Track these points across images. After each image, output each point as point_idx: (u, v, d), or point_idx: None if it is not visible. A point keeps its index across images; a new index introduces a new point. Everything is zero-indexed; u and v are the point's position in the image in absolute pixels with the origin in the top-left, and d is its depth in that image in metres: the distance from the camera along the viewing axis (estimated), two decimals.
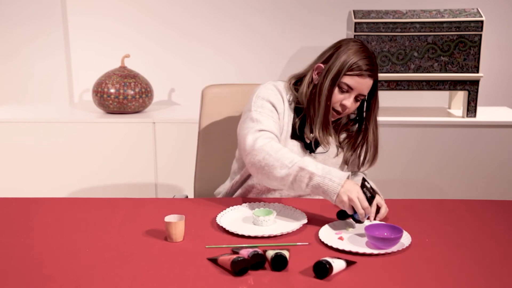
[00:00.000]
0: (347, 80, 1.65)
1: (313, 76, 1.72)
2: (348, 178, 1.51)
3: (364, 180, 1.52)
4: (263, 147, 1.58)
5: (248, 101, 1.75)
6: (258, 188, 1.78)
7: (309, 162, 1.54)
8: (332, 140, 1.78)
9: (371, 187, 1.53)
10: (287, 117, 1.74)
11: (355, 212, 1.47)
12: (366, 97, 1.73)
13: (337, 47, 1.69)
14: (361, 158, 1.79)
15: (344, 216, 1.51)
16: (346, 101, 1.67)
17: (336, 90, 1.67)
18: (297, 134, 1.74)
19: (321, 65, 1.70)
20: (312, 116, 1.71)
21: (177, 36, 3.15)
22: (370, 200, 1.49)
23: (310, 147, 1.75)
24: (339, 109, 1.69)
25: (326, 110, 1.69)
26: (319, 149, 1.76)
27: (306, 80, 1.74)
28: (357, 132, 1.79)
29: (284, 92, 1.75)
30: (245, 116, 1.71)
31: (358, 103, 1.71)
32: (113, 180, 2.78)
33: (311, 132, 1.72)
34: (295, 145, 1.74)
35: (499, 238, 1.44)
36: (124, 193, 2.76)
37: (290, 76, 1.80)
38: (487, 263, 1.30)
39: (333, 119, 1.74)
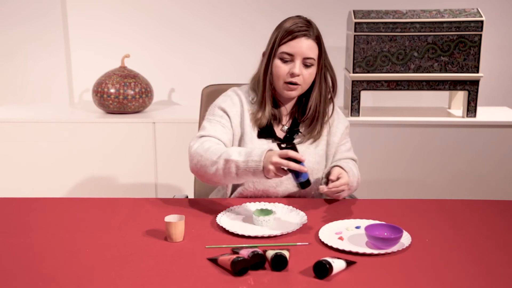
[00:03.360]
0: (284, 48, 1.68)
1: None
2: (268, 151, 1.51)
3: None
4: (196, 151, 1.63)
5: None
6: (251, 190, 1.77)
7: (233, 151, 1.55)
8: (305, 130, 1.77)
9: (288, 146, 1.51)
10: (249, 118, 1.74)
11: (297, 176, 1.48)
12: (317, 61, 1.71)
13: (274, 29, 1.74)
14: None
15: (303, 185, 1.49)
16: (293, 69, 1.67)
17: (279, 62, 1.68)
18: (265, 130, 1.74)
19: (264, 52, 1.75)
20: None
21: (177, 36, 3.15)
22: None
23: (284, 141, 1.75)
24: (291, 79, 1.68)
25: (264, 85, 1.71)
26: (295, 142, 1.76)
27: (259, 71, 1.76)
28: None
29: (245, 94, 1.77)
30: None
31: (312, 69, 1.69)
32: (113, 180, 2.78)
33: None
34: (264, 143, 1.74)
35: (499, 238, 1.44)
36: (124, 193, 2.76)
37: (251, 77, 1.81)
38: (487, 263, 1.30)
39: (295, 94, 1.71)
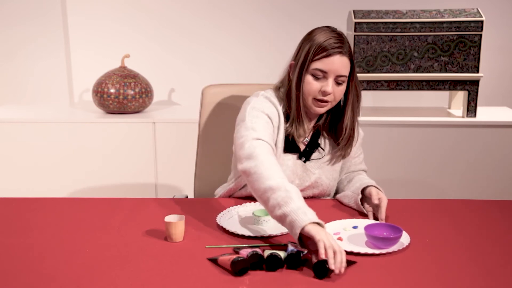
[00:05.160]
0: (317, 65, 1.60)
1: (290, 75, 1.70)
2: (323, 226, 1.32)
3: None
4: (259, 156, 1.51)
5: (241, 111, 1.70)
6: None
7: (296, 192, 1.40)
8: (326, 145, 1.77)
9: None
10: (282, 133, 1.70)
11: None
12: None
13: (303, 39, 1.67)
14: (338, 141, 1.74)
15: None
16: (325, 87, 1.60)
17: (311, 79, 1.62)
18: (290, 145, 1.71)
19: (293, 62, 1.68)
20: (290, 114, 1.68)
21: (177, 36, 3.15)
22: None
23: (304, 155, 1.73)
24: (321, 97, 1.62)
25: (297, 102, 1.65)
26: (314, 156, 1.74)
27: (284, 82, 1.72)
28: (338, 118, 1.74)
29: (278, 103, 1.71)
30: (240, 126, 1.65)
31: (343, 86, 1.64)
32: (113, 180, 2.78)
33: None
34: (289, 158, 1.72)
35: (499, 238, 1.44)
36: (124, 193, 2.76)
37: (274, 85, 1.77)
38: (487, 263, 1.30)
39: (323, 110, 1.68)
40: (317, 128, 1.76)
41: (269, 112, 1.67)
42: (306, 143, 1.75)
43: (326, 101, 1.64)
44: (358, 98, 1.71)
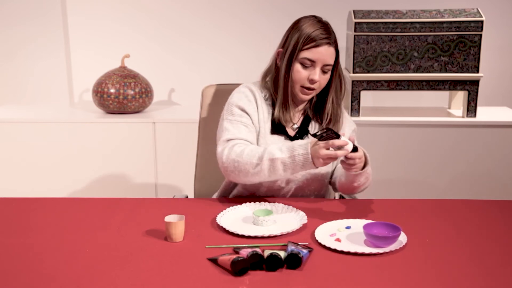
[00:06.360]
0: (306, 54, 1.67)
1: (277, 62, 1.76)
2: (311, 142, 1.55)
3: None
4: (229, 157, 1.63)
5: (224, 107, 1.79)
6: (253, 190, 1.78)
7: (274, 149, 1.58)
8: (316, 130, 1.78)
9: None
10: (263, 114, 1.75)
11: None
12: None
13: (290, 28, 1.73)
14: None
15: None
16: (313, 76, 1.67)
17: (300, 67, 1.68)
18: (277, 127, 1.74)
19: (281, 49, 1.74)
20: (276, 99, 1.74)
21: (177, 36, 3.15)
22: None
23: (293, 139, 1.75)
24: (309, 85, 1.69)
25: (285, 88, 1.71)
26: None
27: (271, 69, 1.78)
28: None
29: (258, 91, 1.78)
30: (219, 124, 1.76)
31: (328, 75, 1.71)
32: (113, 180, 2.78)
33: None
34: (277, 139, 1.75)
35: (499, 238, 1.45)
36: (124, 193, 2.76)
37: (261, 73, 1.82)
38: (487, 263, 1.30)
39: (309, 98, 1.74)
40: (307, 113, 1.80)
41: (243, 103, 1.75)
42: (296, 130, 1.77)
43: (312, 89, 1.70)
44: (341, 85, 1.77)
